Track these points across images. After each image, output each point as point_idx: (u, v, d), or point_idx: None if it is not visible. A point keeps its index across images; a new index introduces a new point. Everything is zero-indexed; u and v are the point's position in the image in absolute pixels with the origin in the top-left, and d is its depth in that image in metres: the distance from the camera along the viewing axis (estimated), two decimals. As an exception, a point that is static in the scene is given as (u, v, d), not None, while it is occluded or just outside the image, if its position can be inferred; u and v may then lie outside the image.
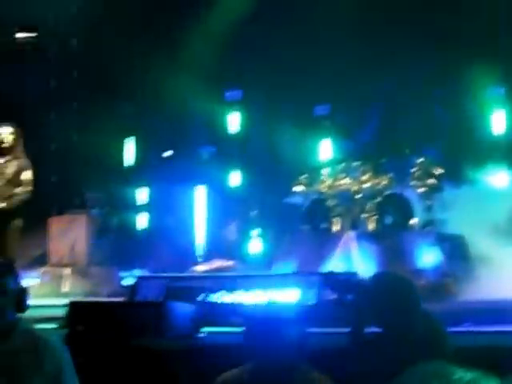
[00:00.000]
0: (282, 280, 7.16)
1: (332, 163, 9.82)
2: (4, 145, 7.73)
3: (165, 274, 8.28)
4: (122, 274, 10.19)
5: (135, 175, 11.89)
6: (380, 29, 10.27)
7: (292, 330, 3.05)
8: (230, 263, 8.74)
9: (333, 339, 5.64)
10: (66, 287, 9.67)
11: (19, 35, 11.49)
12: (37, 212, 11.20)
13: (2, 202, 7.68)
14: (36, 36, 11.55)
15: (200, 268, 9.02)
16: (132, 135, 12.15)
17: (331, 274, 7.06)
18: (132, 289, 7.85)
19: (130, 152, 12.10)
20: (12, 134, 7.77)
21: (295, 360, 3.05)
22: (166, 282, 7.55)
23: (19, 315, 3.21)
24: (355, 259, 8.47)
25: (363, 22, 10.37)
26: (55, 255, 10.41)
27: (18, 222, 7.83)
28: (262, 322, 3.05)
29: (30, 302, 3.31)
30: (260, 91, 11.41)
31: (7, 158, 7.76)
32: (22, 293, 3.24)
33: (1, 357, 3.06)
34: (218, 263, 8.87)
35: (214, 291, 7.06)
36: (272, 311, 3.15)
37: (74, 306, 6.02)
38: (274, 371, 3.01)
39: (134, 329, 5.40)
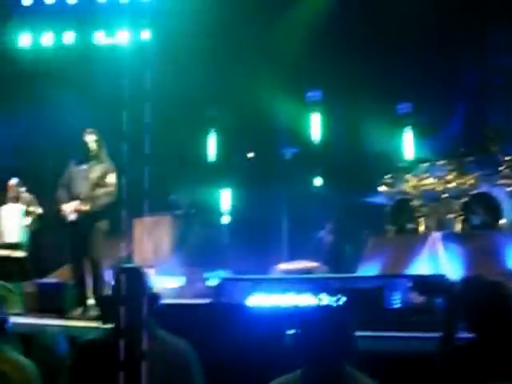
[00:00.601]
0: (365, 282, 7.11)
1: (416, 162, 9.63)
2: (91, 152, 7.99)
3: (249, 276, 8.30)
4: (206, 274, 10.28)
5: (218, 176, 11.97)
6: (461, 22, 10.10)
7: (346, 334, 3.03)
8: (314, 265, 8.67)
9: (419, 344, 5.55)
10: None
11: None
12: (123, 214, 11.47)
13: (88, 205, 7.89)
14: None
15: (283, 267, 8.97)
16: (215, 135, 12.26)
17: (420, 276, 6.95)
18: (217, 290, 7.93)
19: (212, 152, 12.20)
20: (96, 141, 8.03)
21: (348, 365, 3.04)
22: (251, 284, 7.59)
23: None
24: (442, 261, 8.26)
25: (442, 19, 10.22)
26: (140, 256, 10.58)
27: (103, 224, 8.05)
28: (317, 326, 3.01)
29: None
30: (340, 91, 11.33)
31: (92, 163, 8.01)
32: (154, 297, 3.31)
33: (130, 359, 3.05)
34: (302, 264, 8.82)
35: (297, 293, 7.06)
36: (327, 315, 3.09)
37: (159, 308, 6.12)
38: (328, 376, 3.00)
39: (219, 330, 5.42)
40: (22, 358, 3.54)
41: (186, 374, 3.23)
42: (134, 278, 3.30)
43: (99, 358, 3.17)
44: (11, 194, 10.29)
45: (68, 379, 3.32)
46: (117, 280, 3.32)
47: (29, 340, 4.27)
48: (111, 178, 7.98)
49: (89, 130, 8.05)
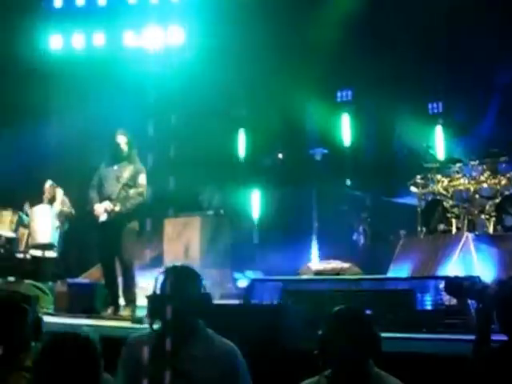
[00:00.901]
0: (397, 284, 7.06)
1: (448, 163, 9.52)
2: (122, 153, 8.07)
3: (279, 277, 8.28)
4: (236, 275, 10.29)
5: (248, 176, 11.98)
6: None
7: (372, 335, 3.10)
8: (346, 265, 8.61)
9: (452, 346, 5.50)
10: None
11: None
12: (153, 214, 11.57)
13: (119, 206, 7.94)
14: None
15: (314, 266, 8.93)
16: (245, 136, 12.28)
17: (452, 278, 6.85)
18: (247, 291, 7.92)
19: (242, 153, 12.22)
20: (127, 142, 8.11)
21: (371, 365, 3.09)
22: (282, 285, 7.58)
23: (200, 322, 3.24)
24: (474, 262, 8.17)
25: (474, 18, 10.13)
26: (170, 256, 10.65)
27: (133, 224, 8.10)
28: (344, 327, 3.06)
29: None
30: (371, 91, 11.28)
31: (123, 163, 8.08)
32: (203, 298, 3.26)
33: (181, 362, 3.10)
34: (333, 264, 8.77)
35: (328, 294, 7.03)
36: (353, 316, 3.15)
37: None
38: (355, 378, 3.05)
39: (251, 332, 5.37)
40: None
41: (234, 375, 3.22)
42: (186, 277, 3.26)
43: (145, 358, 3.15)
44: (47, 195, 10.41)
45: (115, 376, 3.29)
46: (167, 278, 3.26)
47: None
48: (142, 179, 8.05)
49: (121, 131, 8.12)
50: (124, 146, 8.08)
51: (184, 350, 3.13)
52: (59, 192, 10.39)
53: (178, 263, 3.41)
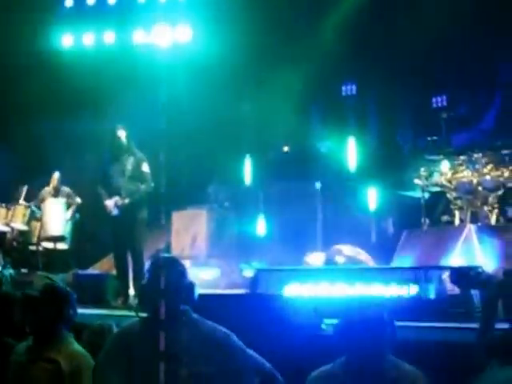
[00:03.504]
0: (402, 274, 7.17)
1: (452, 155, 9.64)
2: (123, 147, 8.29)
3: (284, 267, 8.41)
4: (242, 265, 10.42)
5: (253, 169, 12.09)
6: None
7: (387, 324, 3.18)
8: (363, 255, 8.81)
9: (456, 334, 5.64)
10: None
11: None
12: (161, 207, 11.74)
13: (128, 199, 8.12)
14: None
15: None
16: (250, 130, 12.40)
17: (459, 268, 7.00)
18: (252, 281, 8.06)
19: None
20: (126, 136, 8.34)
21: (387, 353, 3.17)
22: (286, 274, 7.70)
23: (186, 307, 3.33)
24: (477, 253, 8.31)
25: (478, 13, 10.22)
26: (177, 248, 10.80)
27: (143, 214, 8.30)
28: (360, 317, 3.15)
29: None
30: (375, 84, 11.39)
31: (124, 156, 8.31)
32: (190, 286, 3.36)
33: (169, 346, 3.17)
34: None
35: (332, 283, 7.16)
36: (367, 306, 3.25)
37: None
38: (367, 365, 3.13)
39: (256, 320, 5.47)
40: (77, 350, 3.63)
41: (224, 354, 3.26)
42: (171, 267, 3.35)
43: (135, 344, 3.26)
44: (52, 186, 10.58)
45: (104, 365, 3.38)
46: (154, 269, 3.38)
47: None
48: (145, 168, 8.30)
49: (120, 126, 8.34)
50: (124, 140, 8.30)
51: (172, 335, 3.22)
52: (62, 185, 10.60)
53: (164, 254, 3.55)
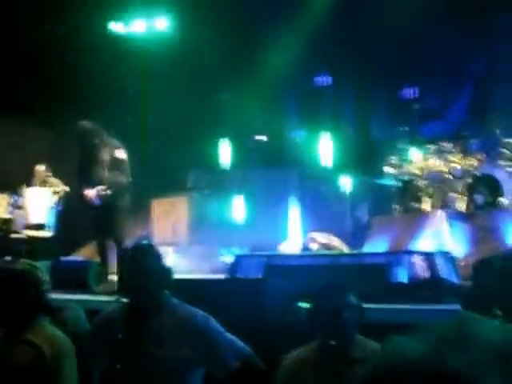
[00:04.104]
0: (375, 259, 7.41)
1: (422, 144, 9.92)
2: (94, 141, 8.20)
3: (263, 252, 8.62)
4: (222, 251, 10.60)
5: (232, 157, 12.27)
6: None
7: (354, 307, 3.32)
8: (336, 242, 9.04)
9: (426, 316, 5.90)
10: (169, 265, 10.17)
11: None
12: (142, 195, 11.88)
13: (108, 189, 8.18)
14: None
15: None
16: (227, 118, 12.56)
17: (426, 253, 7.26)
18: (232, 266, 8.27)
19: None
20: (96, 128, 8.23)
21: (355, 334, 3.33)
22: (265, 260, 7.92)
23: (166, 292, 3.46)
24: (446, 239, 8.57)
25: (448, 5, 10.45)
26: (158, 235, 10.93)
27: (125, 202, 8.36)
28: (328, 301, 3.30)
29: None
30: (348, 75, 11.59)
31: (98, 148, 8.19)
32: (166, 271, 3.49)
33: (151, 329, 3.32)
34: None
35: (311, 269, 7.40)
36: (337, 290, 3.39)
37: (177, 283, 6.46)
38: (337, 348, 3.27)
39: (236, 305, 5.61)
40: (57, 333, 3.60)
41: (204, 336, 3.35)
42: (148, 253, 3.47)
43: (117, 329, 3.39)
44: (38, 178, 10.68)
45: (86, 349, 3.53)
46: (130, 256, 3.52)
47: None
48: (122, 155, 8.23)
49: (83, 123, 8.25)
50: (94, 132, 8.19)
51: (152, 319, 3.33)
52: (49, 175, 10.67)
53: (140, 241, 3.70)
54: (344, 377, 3.19)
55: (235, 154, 12.18)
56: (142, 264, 3.40)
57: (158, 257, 3.50)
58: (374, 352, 3.12)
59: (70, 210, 10.90)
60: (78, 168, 8.48)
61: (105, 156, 8.21)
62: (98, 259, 8.75)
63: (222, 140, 12.17)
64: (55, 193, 10.68)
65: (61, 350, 3.44)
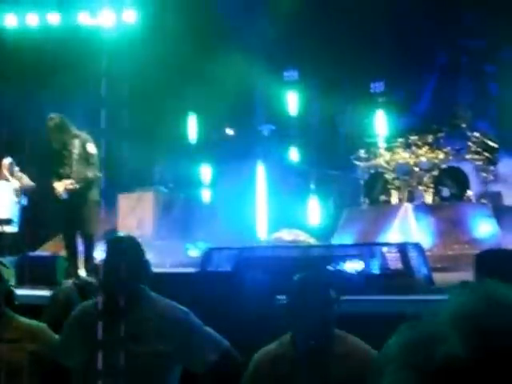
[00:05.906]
0: (347, 251, 7.49)
1: (390, 137, 10.05)
2: (63, 134, 8.04)
3: (234, 246, 8.61)
4: (187, 245, 10.59)
5: (198, 152, 12.27)
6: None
7: (330, 300, 3.15)
8: (302, 236, 9.09)
9: (398, 306, 5.98)
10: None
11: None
12: (108, 189, 11.78)
13: (78, 183, 8.10)
14: None
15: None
16: (194, 113, 12.54)
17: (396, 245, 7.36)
18: (203, 259, 8.24)
19: (192, 129, 12.50)
20: (64, 122, 8.06)
21: (333, 328, 3.16)
22: (236, 253, 7.91)
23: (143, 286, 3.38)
24: (413, 230, 8.70)
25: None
26: (124, 229, 10.83)
27: (94, 195, 8.24)
28: (303, 294, 3.13)
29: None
30: (316, 70, 11.66)
31: (67, 142, 8.05)
32: (146, 264, 3.42)
33: (129, 324, 3.25)
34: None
35: (284, 261, 7.39)
36: (310, 282, 3.23)
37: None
38: (313, 342, 3.09)
39: (208, 298, 5.51)
40: (34, 323, 3.58)
41: (183, 329, 3.31)
42: (126, 246, 3.39)
43: (94, 323, 3.29)
44: (4, 172, 10.50)
45: (64, 343, 3.45)
46: (111, 247, 3.43)
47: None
48: (91, 148, 8.14)
49: (52, 116, 8.11)
50: (63, 126, 8.04)
51: (130, 313, 3.25)
52: (16, 170, 10.52)
53: (120, 234, 3.60)
54: (326, 373, 3.06)
55: (203, 148, 12.16)
56: (125, 255, 3.33)
57: (139, 249, 3.43)
58: (356, 347, 3.13)
59: (36, 205, 10.76)
60: (46, 162, 8.36)
61: (74, 149, 8.13)
62: (64, 254, 8.65)
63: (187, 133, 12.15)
64: (21, 188, 10.52)
65: (41, 340, 3.44)
